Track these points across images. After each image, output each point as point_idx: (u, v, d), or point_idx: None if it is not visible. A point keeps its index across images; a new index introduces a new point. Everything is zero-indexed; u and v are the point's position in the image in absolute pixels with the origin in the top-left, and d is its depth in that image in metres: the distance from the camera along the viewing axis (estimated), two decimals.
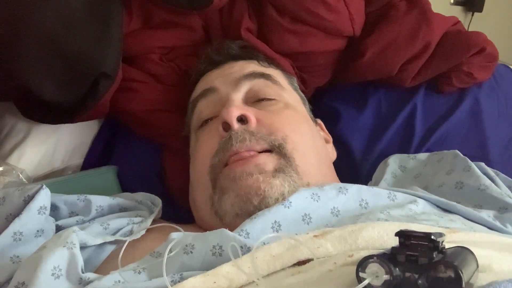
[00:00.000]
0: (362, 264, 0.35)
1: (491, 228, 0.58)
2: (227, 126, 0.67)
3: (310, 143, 0.70)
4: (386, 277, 0.34)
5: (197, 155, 0.71)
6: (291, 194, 0.57)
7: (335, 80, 0.97)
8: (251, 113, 0.68)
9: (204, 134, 0.72)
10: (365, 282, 0.33)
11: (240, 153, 0.64)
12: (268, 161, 0.64)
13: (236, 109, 0.67)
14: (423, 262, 0.34)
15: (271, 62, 0.84)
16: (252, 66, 0.78)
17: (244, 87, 0.74)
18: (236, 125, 0.66)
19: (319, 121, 0.83)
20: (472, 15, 2.14)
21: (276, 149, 0.65)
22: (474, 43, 0.88)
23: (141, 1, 0.84)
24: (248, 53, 0.83)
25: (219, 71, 0.79)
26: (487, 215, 0.61)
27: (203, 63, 0.83)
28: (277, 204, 0.55)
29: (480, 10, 2.12)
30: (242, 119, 0.67)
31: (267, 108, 0.71)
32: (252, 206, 0.60)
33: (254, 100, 0.73)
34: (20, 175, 0.79)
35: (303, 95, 0.83)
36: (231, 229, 0.52)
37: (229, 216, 0.62)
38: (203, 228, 0.70)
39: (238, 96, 0.72)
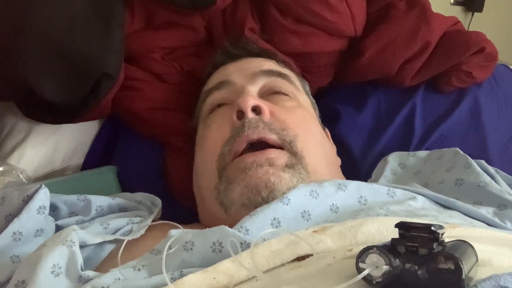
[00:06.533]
0: (362, 255, 0.35)
1: (490, 224, 0.58)
2: (240, 115, 0.67)
3: (320, 145, 0.71)
4: (386, 267, 0.34)
5: (207, 141, 0.71)
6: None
7: (334, 80, 0.97)
8: (265, 105, 0.68)
9: (215, 120, 0.72)
10: (365, 273, 0.33)
11: (251, 139, 0.64)
12: (280, 157, 0.64)
13: (252, 99, 0.68)
14: (423, 253, 0.34)
15: (287, 64, 0.84)
16: (270, 65, 0.79)
17: (261, 82, 0.74)
18: (250, 114, 0.66)
19: (326, 129, 0.83)
20: (472, 15, 2.15)
21: (287, 146, 0.65)
22: (473, 43, 0.89)
23: (143, 2, 0.84)
24: (267, 52, 0.84)
25: (236, 64, 0.79)
26: (486, 211, 0.61)
27: (219, 56, 0.84)
28: (276, 201, 0.55)
29: (480, 10, 2.13)
30: (256, 110, 0.67)
31: (281, 103, 0.72)
32: (260, 198, 0.60)
33: (269, 93, 0.74)
34: (20, 175, 0.79)
35: (313, 101, 0.83)
36: (234, 220, 0.52)
37: (235, 206, 0.62)
38: (205, 218, 0.70)
39: (254, 88, 0.73)
